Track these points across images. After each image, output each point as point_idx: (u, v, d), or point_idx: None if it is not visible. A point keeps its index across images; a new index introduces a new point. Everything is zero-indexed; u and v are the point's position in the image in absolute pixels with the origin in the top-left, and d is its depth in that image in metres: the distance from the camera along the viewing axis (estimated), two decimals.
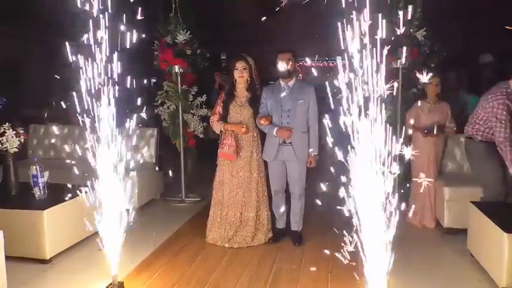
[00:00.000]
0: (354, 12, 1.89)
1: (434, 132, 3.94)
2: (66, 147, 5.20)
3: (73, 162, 2.97)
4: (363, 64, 1.97)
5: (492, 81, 3.60)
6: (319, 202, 2.59)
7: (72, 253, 3.46)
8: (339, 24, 1.95)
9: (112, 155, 2.68)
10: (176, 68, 4.78)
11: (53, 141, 5.37)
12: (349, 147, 2.08)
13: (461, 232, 3.62)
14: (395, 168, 2.05)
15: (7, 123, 3.57)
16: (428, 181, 3.99)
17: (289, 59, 3.51)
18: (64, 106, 3.12)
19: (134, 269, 3.20)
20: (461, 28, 6.67)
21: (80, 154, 2.82)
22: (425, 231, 4.07)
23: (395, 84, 2.10)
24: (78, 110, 2.62)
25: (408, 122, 4.05)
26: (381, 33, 1.93)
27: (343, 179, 2.14)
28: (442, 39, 4.41)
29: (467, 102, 5.10)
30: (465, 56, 5.93)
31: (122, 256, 2.81)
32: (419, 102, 4.10)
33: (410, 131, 3.94)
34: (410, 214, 4.01)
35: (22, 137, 3.63)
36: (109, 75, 2.60)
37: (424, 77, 2.28)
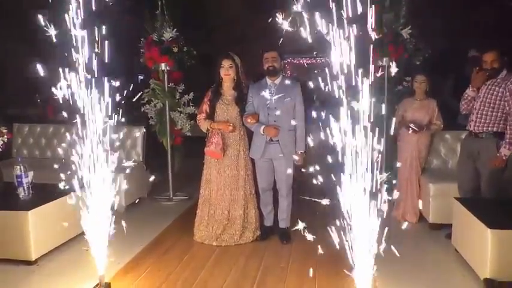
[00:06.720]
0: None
1: (423, 130, 4.00)
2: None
3: (59, 162, 2.94)
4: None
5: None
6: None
7: (58, 254, 3.42)
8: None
9: (98, 153, 2.66)
10: (162, 66, 4.75)
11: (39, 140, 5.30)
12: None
13: (446, 227, 3.68)
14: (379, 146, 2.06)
15: None
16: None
17: (274, 58, 3.52)
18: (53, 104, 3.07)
19: (121, 269, 3.17)
20: (447, 26, 6.73)
21: (67, 151, 2.76)
22: (411, 226, 4.11)
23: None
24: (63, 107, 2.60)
25: (397, 114, 4.11)
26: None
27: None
28: (427, 37, 4.46)
29: None
30: (450, 53, 5.99)
31: (108, 256, 2.79)
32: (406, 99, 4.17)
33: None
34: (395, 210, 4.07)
35: (5, 136, 3.58)
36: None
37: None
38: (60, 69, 2.51)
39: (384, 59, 4.24)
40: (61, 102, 2.54)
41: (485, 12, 6.45)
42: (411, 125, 4.01)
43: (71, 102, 2.55)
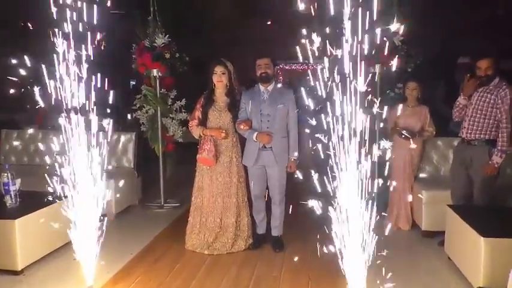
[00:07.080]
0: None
1: (416, 136, 3.99)
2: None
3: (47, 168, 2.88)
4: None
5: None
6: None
7: (46, 264, 3.34)
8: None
9: (87, 160, 2.62)
10: (154, 72, 4.72)
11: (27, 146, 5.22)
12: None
13: (438, 234, 3.67)
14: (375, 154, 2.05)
15: None
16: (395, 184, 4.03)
17: (267, 64, 3.51)
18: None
19: (111, 279, 3.10)
20: (438, 31, 6.78)
21: (54, 160, 2.72)
22: (404, 234, 4.11)
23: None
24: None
25: (390, 121, 4.10)
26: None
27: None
28: (419, 43, 4.47)
29: None
30: (442, 59, 6.02)
31: (98, 265, 2.73)
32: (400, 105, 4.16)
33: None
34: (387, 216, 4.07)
35: None
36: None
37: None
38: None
39: (376, 66, 4.24)
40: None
41: (481, 13, 6.51)
42: (403, 132, 4.01)
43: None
